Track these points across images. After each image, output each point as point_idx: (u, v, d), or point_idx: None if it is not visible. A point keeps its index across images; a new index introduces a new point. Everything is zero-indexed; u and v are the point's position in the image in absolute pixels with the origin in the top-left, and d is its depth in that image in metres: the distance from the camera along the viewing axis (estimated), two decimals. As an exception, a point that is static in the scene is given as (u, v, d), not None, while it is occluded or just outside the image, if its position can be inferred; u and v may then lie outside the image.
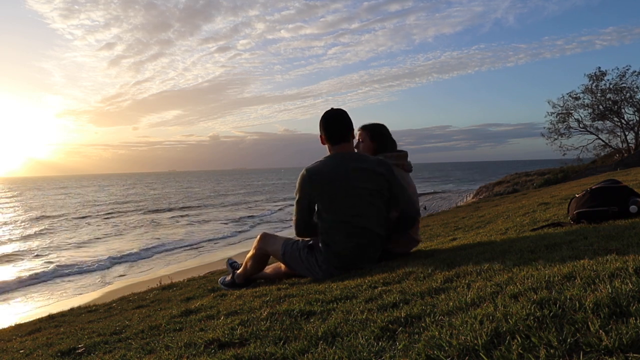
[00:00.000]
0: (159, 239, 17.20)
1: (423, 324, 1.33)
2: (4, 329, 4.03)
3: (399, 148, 3.42)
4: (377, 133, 3.34)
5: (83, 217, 26.96)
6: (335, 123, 2.91)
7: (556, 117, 23.23)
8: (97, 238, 18.57)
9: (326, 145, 2.98)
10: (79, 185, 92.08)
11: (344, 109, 2.96)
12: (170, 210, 31.01)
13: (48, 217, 27.67)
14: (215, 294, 3.08)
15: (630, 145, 22.05)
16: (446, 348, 1.09)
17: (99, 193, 57.23)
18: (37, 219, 26.71)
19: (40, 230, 21.11)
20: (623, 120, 22.42)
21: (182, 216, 26.61)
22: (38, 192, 64.57)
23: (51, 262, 12.80)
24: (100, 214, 29.00)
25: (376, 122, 3.47)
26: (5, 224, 25.04)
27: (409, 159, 3.43)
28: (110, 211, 30.69)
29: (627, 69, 21.75)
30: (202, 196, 45.54)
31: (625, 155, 20.68)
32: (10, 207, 37.96)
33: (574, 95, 22.99)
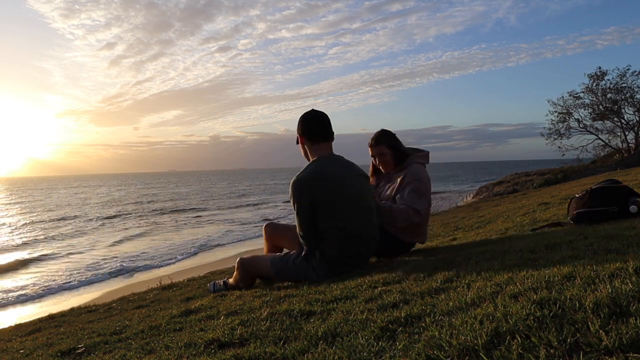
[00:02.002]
0: (199, 238, 17.04)
1: (423, 324, 1.33)
2: (4, 329, 4.03)
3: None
4: (390, 139, 3.36)
5: (108, 217, 26.46)
6: (320, 122, 2.89)
7: (557, 116, 23.25)
8: (132, 236, 18.39)
9: (303, 147, 2.95)
10: (87, 185, 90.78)
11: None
12: (194, 210, 30.39)
13: (72, 217, 27.13)
14: (215, 294, 3.08)
15: (630, 145, 22.04)
16: (446, 348, 1.09)
17: (115, 193, 56.26)
18: (61, 219, 26.14)
19: (69, 232, 20.61)
20: (623, 120, 22.42)
21: (209, 216, 26.08)
22: (51, 192, 63.21)
23: (92, 265, 12.58)
24: (125, 213, 28.52)
25: (377, 131, 3.44)
26: (31, 223, 24.48)
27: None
28: (134, 211, 30.10)
29: (628, 69, 21.76)
30: (222, 196, 44.80)
31: (625, 155, 20.67)
32: (27, 207, 36.83)
33: (575, 95, 23.01)
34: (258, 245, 13.20)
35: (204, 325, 2.00)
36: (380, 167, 3.42)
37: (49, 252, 15.03)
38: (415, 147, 3.45)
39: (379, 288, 2.03)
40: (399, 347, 1.19)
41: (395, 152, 3.32)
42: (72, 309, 4.25)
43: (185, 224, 22.71)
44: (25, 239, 18.60)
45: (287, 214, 24.70)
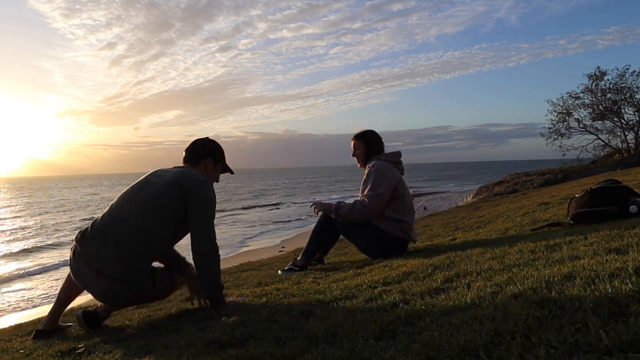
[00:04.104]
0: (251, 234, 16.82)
1: (423, 324, 1.33)
2: (4, 329, 4.02)
3: (399, 149, 3.69)
4: (370, 140, 3.68)
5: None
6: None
7: (557, 116, 23.25)
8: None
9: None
10: (97, 184, 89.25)
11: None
12: (221, 211, 30.22)
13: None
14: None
15: (630, 145, 22.03)
16: (446, 348, 1.09)
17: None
18: (87, 219, 26.14)
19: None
20: (623, 120, 22.40)
21: (231, 215, 25.69)
22: (63, 192, 61.49)
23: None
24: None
25: (365, 129, 3.77)
26: (58, 224, 24.00)
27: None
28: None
29: (627, 69, 21.76)
30: (243, 197, 43.81)
31: (625, 155, 20.66)
32: (48, 207, 35.72)
33: (574, 95, 23.01)
34: (260, 245, 13.20)
35: (204, 325, 2.00)
36: (355, 159, 3.77)
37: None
38: (393, 152, 3.72)
39: (379, 288, 2.03)
40: (399, 347, 1.19)
41: (367, 151, 3.67)
42: (72, 309, 4.24)
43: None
44: (58, 239, 18.36)
45: (300, 214, 24.53)
